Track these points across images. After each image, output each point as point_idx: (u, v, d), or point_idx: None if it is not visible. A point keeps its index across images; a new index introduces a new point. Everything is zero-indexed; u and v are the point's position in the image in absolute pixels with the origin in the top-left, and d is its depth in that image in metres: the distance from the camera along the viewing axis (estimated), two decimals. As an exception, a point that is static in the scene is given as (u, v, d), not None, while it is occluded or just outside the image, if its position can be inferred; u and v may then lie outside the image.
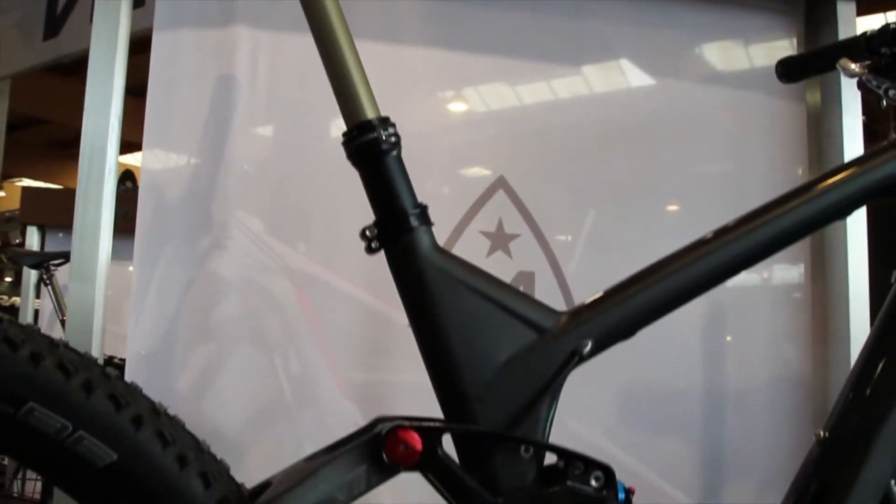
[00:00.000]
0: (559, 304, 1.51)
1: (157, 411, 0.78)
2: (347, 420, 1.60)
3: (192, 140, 1.54)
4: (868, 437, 0.87)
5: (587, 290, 1.52)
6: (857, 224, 1.64)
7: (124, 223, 1.61)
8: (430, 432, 0.79)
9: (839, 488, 0.87)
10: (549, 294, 1.54)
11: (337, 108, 0.84)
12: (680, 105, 1.69)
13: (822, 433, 0.90)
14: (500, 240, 1.52)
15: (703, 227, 1.54)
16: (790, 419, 1.62)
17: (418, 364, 0.85)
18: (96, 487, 0.75)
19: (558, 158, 1.62)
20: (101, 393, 0.75)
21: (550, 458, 0.84)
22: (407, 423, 0.79)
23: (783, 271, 1.74)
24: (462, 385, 0.83)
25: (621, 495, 0.83)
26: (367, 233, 0.85)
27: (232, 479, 0.80)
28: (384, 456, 0.78)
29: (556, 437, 0.84)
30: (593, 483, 0.82)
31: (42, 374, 0.73)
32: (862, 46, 1.07)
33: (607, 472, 0.83)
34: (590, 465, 0.82)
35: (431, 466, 0.79)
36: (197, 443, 0.79)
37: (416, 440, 0.78)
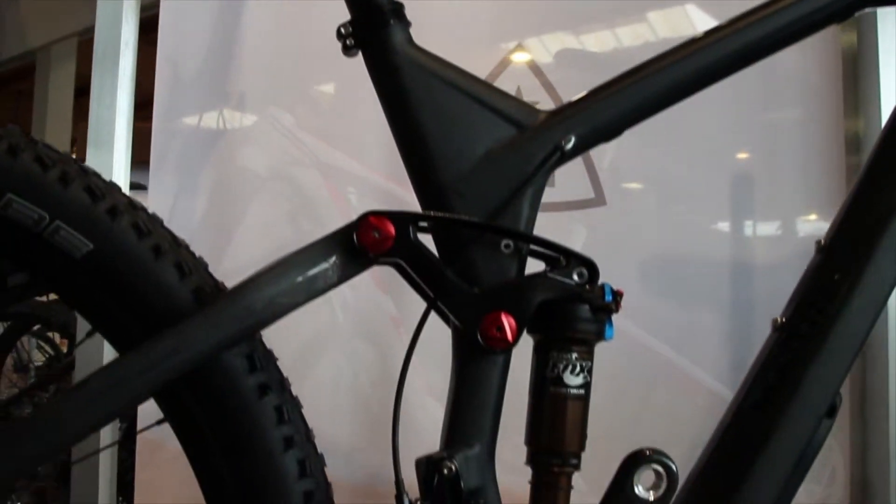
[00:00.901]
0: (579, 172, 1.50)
1: (133, 206, 0.79)
2: (382, 310, 1.60)
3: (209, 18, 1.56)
4: (870, 242, 0.83)
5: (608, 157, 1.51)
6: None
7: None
8: (403, 218, 0.78)
9: (841, 293, 0.83)
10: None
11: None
12: None
13: (821, 241, 0.86)
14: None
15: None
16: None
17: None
18: (74, 279, 0.76)
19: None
20: (77, 185, 0.75)
21: (537, 267, 0.82)
22: (380, 211, 0.78)
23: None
24: (439, 179, 0.81)
25: (608, 296, 0.81)
26: (343, 31, 0.84)
27: (209, 273, 0.80)
28: (356, 243, 0.77)
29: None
30: (576, 278, 0.80)
31: (20, 166, 0.74)
32: None
33: (591, 268, 0.80)
34: (572, 258, 0.80)
35: (405, 253, 0.78)
36: (174, 237, 0.80)
37: (388, 226, 0.77)
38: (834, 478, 1.67)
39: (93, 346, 1.58)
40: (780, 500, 0.82)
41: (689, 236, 1.50)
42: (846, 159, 1.48)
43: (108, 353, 1.57)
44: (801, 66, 1.54)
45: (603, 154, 1.50)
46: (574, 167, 1.50)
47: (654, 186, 1.51)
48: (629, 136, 0.82)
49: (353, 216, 0.78)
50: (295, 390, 0.82)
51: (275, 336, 0.81)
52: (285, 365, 0.83)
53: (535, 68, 1.55)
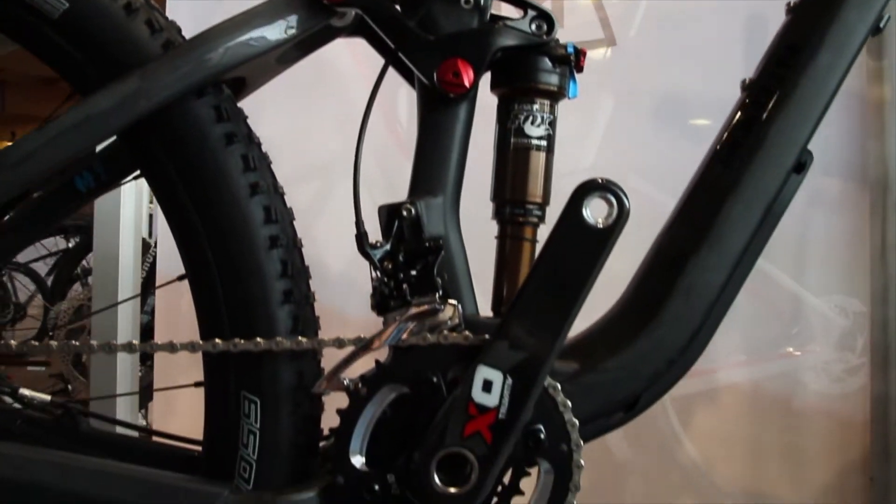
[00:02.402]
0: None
1: None
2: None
3: None
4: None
5: None
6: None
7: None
8: (360, -32, 0.80)
9: (808, 48, 0.82)
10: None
11: None
12: None
13: (790, 3, 0.85)
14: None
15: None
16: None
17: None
18: (52, 39, 0.79)
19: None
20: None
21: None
22: (338, -40, 0.80)
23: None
24: None
25: (570, 48, 0.82)
26: None
27: (182, 35, 0.83)
28: (315, -7, 0.79)
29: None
30: (533, 28, 0.81)
31: None
32: None
33: (549, 21, 0.81)
34: (530, 9, 0.81)
35: (363, 1, 0.80)
36: (147, 1, 0.83)
37: (344, -27, 0.79)
38: (866, 348, 1.65)
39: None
40: (749, 252, 0.82)
41: (703, 78, 1.48)
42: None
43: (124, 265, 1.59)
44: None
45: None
46: (584, 10, 1.50)
47: (666, 29, 1.49)
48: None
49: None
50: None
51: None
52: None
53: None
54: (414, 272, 0.79)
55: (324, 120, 1.72)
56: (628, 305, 0.83)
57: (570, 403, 0.77)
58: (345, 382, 0.77)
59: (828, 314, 1.65)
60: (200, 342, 0.78)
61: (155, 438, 0.96)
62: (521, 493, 0.78)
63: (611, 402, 0.81)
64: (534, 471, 0.78)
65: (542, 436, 0.77)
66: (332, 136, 1.70)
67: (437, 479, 0.76)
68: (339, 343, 0.78)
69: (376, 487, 0.76)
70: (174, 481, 0.79)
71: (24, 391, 0.86)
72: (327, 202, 1.75)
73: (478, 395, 0.75)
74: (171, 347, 0.78)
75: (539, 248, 0.82)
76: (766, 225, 0.83)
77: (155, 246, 2.14)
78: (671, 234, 0.83)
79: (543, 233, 0.83)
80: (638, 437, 1.60)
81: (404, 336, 0.77)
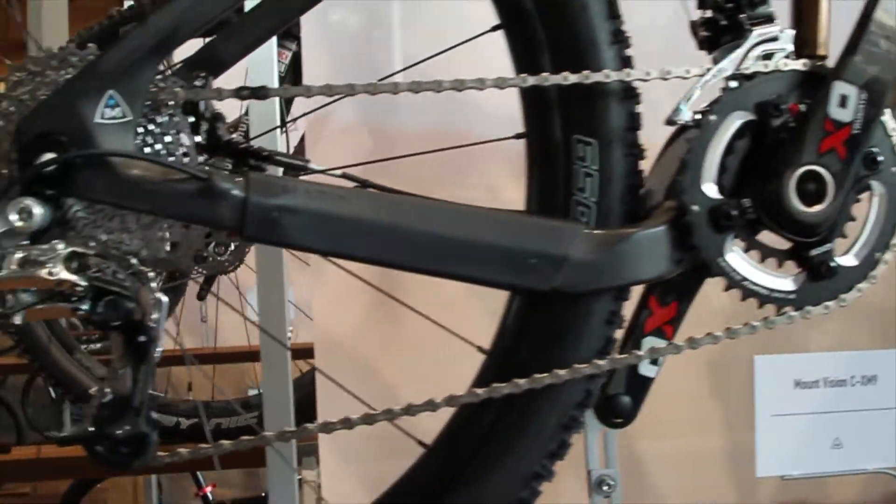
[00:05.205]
0: None
1: None
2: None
3: None
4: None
5: None
6: None
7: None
8: None
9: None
10: None
11: None
12: None
13: None
14: None
15: None
16: None
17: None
18: None
19: None
20: None
21: None
22: None
23: None
24: None
25: None
26: None
27: None
28: None
29: None
30: None
31: None
32: None
33: None
34: None
35: None
36: None
37: None
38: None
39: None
40: None
41: None
42: None
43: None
44: None
45: None
46: None
47: None
48: None
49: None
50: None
51: None
52: None
53: None
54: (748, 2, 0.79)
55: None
56: None
57: (898, 131, 0.79)
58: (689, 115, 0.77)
59: None
60: (529, 77, 0.76)
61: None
62: (853, 219, 0.80)
63: None
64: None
65: (880, 157, 0.79)
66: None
67: (796, 198, 0.76)
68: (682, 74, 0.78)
69: (733, 213, 0.76)
70: (533, 220, 0.77)
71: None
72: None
73: (834, 110, 0.76)
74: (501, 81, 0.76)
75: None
76: None
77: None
78: None
79: None
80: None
81: (747, 63, 0.78)
